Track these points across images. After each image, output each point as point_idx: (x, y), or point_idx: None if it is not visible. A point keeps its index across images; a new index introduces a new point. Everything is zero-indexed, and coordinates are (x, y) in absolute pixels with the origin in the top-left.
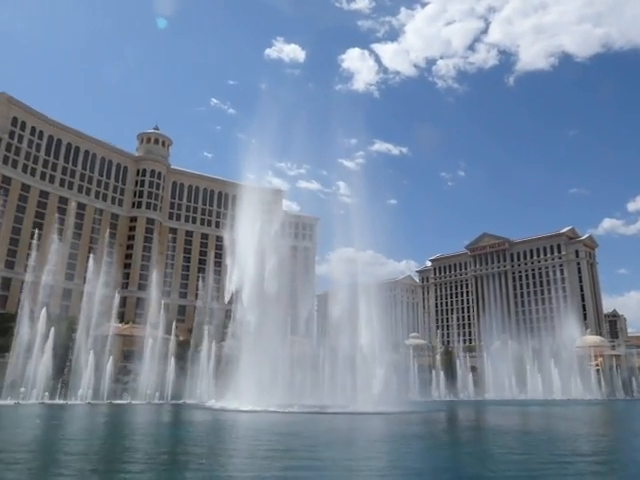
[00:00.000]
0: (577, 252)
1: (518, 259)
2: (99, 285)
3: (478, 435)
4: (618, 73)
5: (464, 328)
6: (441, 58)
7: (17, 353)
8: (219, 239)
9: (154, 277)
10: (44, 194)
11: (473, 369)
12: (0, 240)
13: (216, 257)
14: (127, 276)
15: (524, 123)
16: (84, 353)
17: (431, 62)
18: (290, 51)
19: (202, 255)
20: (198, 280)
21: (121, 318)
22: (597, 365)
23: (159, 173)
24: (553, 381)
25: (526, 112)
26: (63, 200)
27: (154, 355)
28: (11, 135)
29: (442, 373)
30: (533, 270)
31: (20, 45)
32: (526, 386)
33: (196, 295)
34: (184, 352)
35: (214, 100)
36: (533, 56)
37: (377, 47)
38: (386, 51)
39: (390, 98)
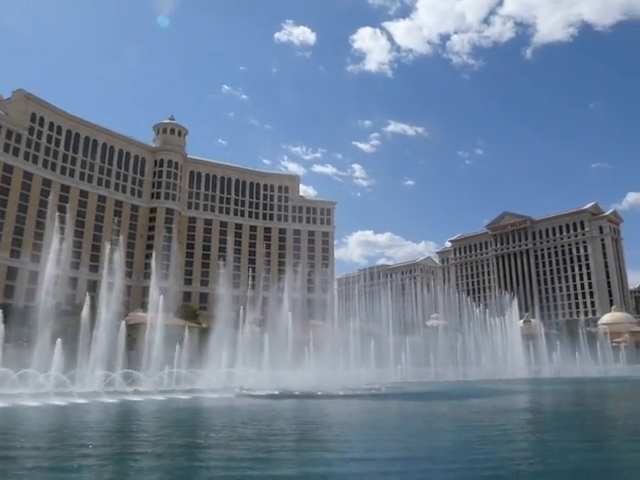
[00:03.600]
0: (601, 228)
1: (540, 237)
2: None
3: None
4: None
5: (486, 308)
6: (455, 33)
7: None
8: (238, 226)
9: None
10: (65, 188)
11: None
12: (26, 232)
13: (235, 244)
14: (148, 266)
15: (543, 97)
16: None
17: (445, 38)
18: (300, 34)
19: (222, 243)
20: (219, 268)
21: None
22: (622, 342)
23: (176, 163)
24: (573, 358)
25: (545, 85)
26: (84, 193)
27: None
28: (30, 131)
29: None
30: (556, 248)
31: (31, 42)
32: (543, 364)
33: (217, 282)
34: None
35: (226, 87)
36: (551, 27)
37: (389, 25)
38: (398, 29)
39: (404, 77)
